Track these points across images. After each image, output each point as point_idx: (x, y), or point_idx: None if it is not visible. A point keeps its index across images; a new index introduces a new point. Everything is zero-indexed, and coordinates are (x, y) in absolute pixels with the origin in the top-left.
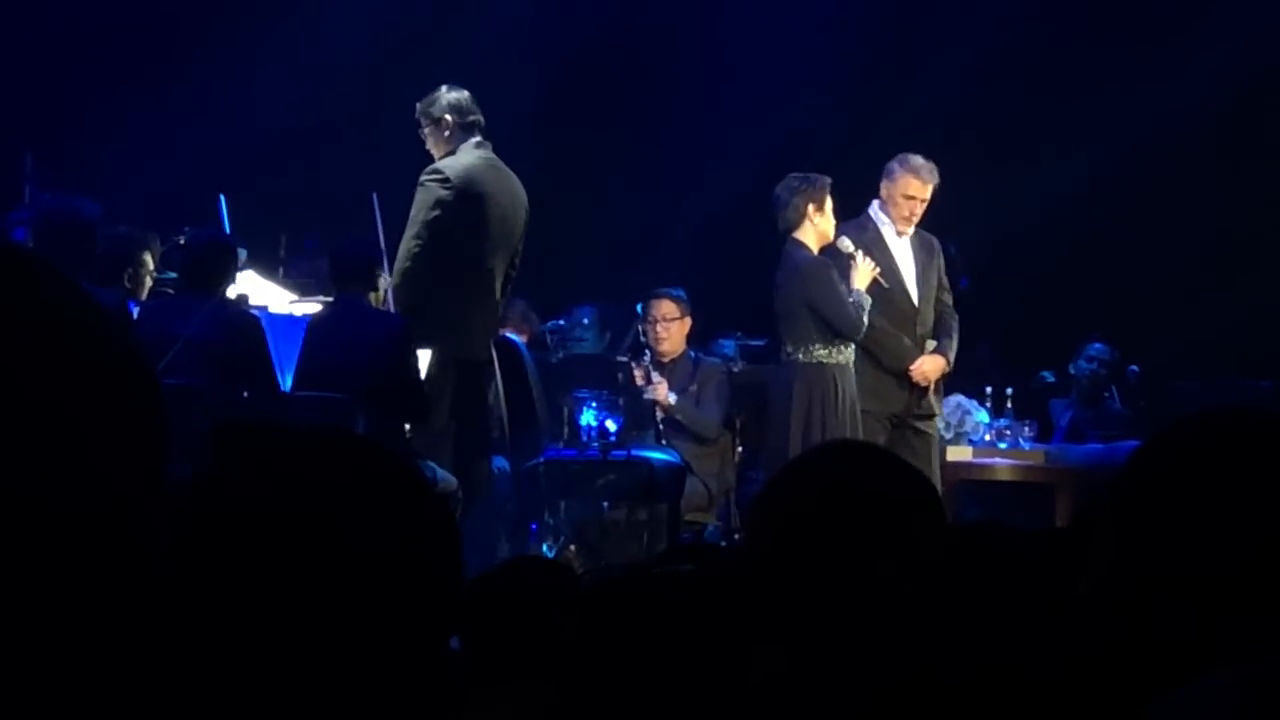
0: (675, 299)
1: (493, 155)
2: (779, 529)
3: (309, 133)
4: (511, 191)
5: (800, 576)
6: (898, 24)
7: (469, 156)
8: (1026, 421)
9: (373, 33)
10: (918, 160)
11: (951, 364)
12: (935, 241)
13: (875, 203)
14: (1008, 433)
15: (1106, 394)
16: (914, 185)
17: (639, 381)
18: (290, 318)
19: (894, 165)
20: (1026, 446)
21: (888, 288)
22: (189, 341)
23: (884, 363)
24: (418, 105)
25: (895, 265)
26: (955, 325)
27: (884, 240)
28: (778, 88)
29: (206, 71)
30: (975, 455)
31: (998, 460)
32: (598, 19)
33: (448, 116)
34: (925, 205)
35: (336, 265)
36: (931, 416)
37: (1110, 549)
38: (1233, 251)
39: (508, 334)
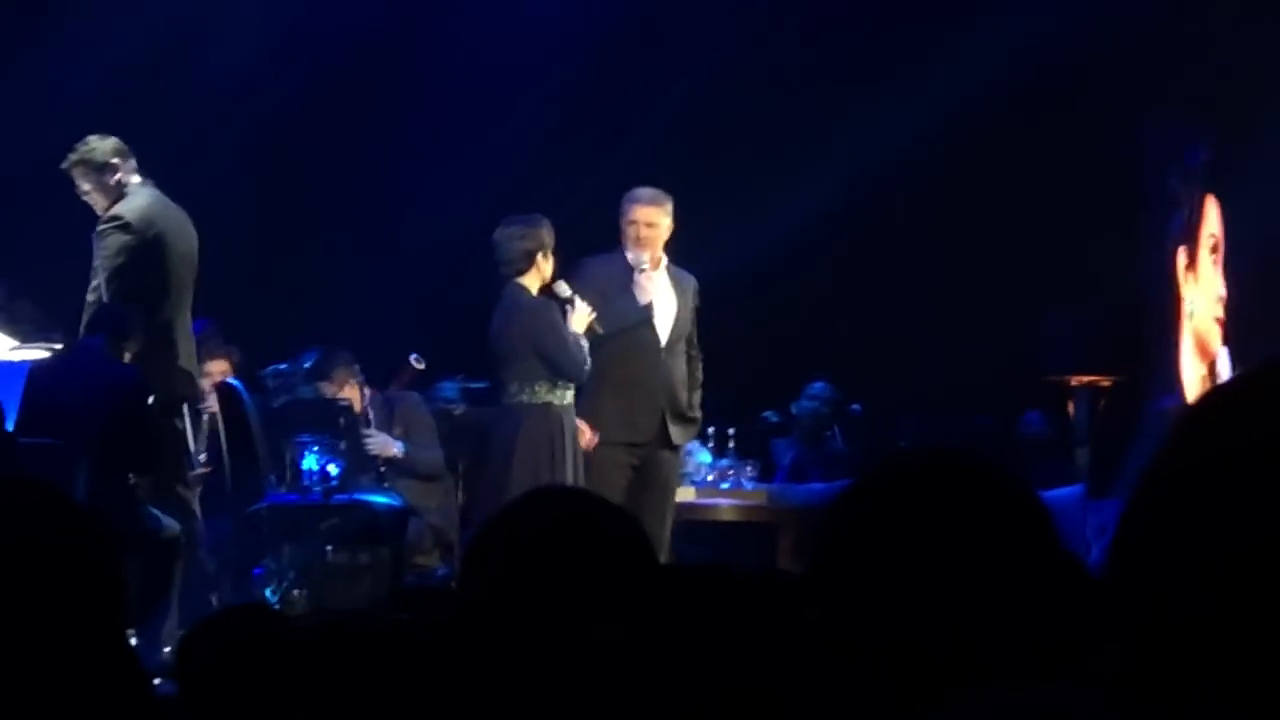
0: (349, 364)
1: (159, 191)
2: (492, 575)
3: (27, 176)
4: (186, 227)
5: (512, 624)
6: (619, 68)
7: (142, 198)
8: (749, 461)
9: (92, 77)
10: (640, 189)
11: (695, 413)
12: (692, 281)
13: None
14: (730, 473)
15: (828, 433)
16: (637, 210)
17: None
18: (7, 364)
19: (622, 201)
20: (749, 487)
21: (601, 334)
22: None
23: (627, 393)
24: (69, 158)
25: (643, 298)
26: (699, 378)
27: (632, 273)
28: (499, 127)
29: None
30: (698, 496)
31: (720, 501)
32: (316, 65)
33: (115, 160)
34: (657, 230)
35: (90, 313)
36: (674, 448)
37: (817, 594)
38: (955, 288)
39: (229, 379)
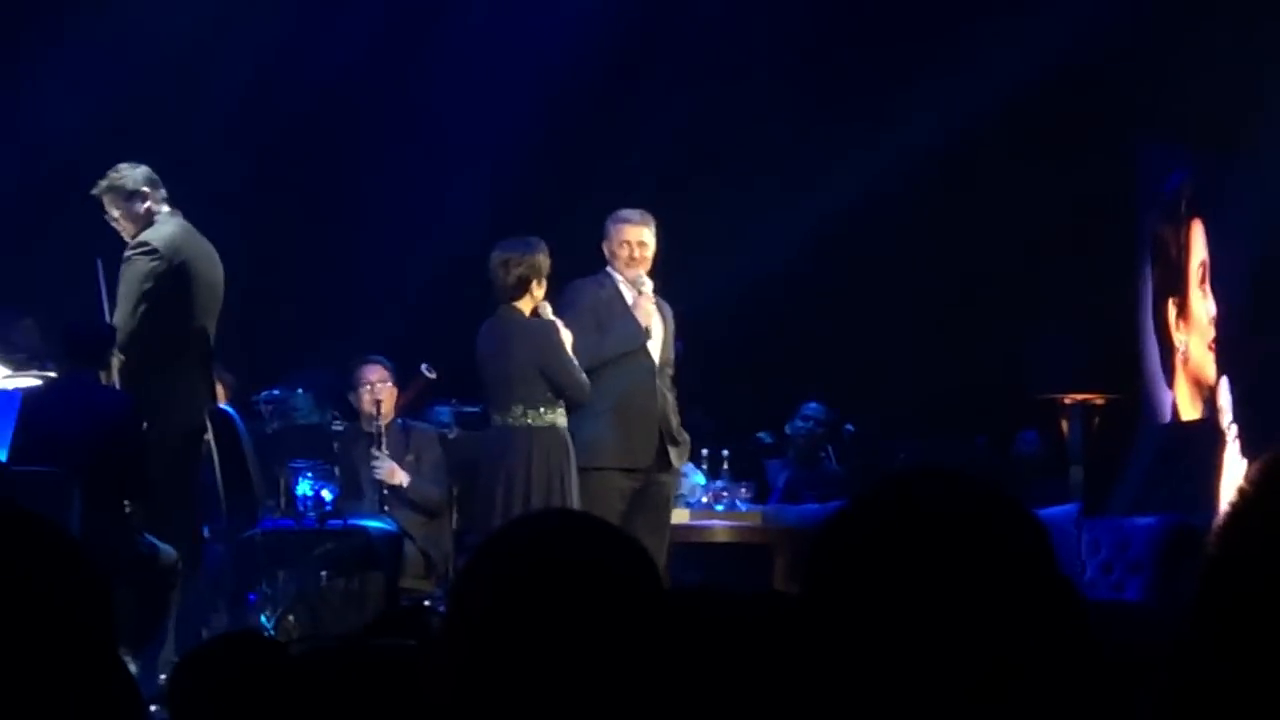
0: (386, 365)
1: (187, 222)
2: (492, 597)
3: (20, 201)
4: (212, 257)
5: (506, 649)
6: (608, 85)
7: (169, 226)
8: (743, 483)
9: (87, 105)
10: (626, 210)
11: (685, 435)
12: (669, 308)
13: (609, 266)
14: (724, 494)
15: (822, 454)
16: (627, 230)
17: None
18: (2, 393)
19: (607, 223)
20: (743, 508)
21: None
22: None
23: (627, 418)
24: (100, 184)
25: (644, 320)
26: (673, 397)
27: (623, 297)
28: (485, 152)
29: None
30: (692, 518)
31: (715, 522)
32: (305, 91)
33: (145, 188)
34: (648, 248)
35: (69, 342)
36: (672, 470)
37: (812, 615)
38: (948, 308)
39: (223, 405)
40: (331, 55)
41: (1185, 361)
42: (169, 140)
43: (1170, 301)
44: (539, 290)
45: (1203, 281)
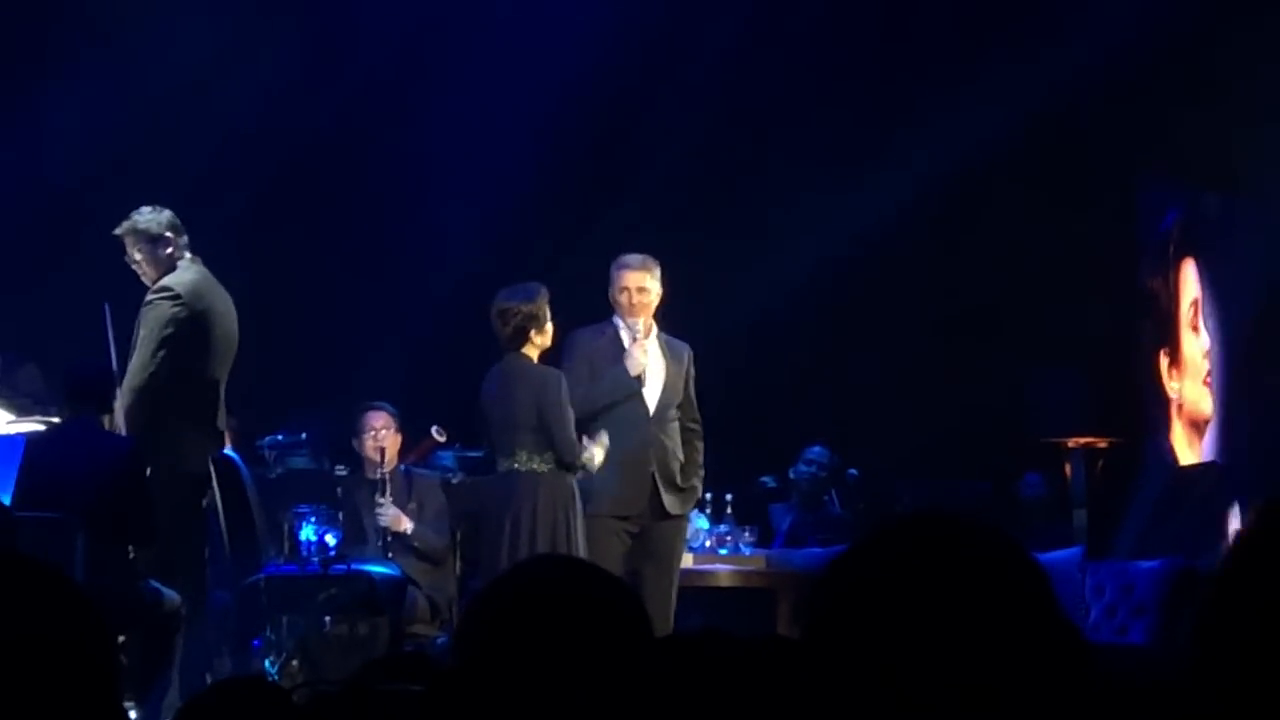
0: (389, 411)
1: (207, 270)
2: (491, 641)
3: (23, 243)
4: (229, 307)
5: (509, 689)
6: (610, 127)
7: (190, 273)
8: (747, 527)
9: (91, 144)
10: (628, 255)
11: (691, 483)
12: (686, 350)
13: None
14: (728, 539)
15: (826, 498)
16: (627, 276)
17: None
18: (5, 438)
19: (611, 269)
20: (747, 552)
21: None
22: None
23: (618, 467)
24: (123, 225)
25: (634, 369)
26: (700, 450)
27: (620, 345)
28: (489, 194)
29: None
30: (696, 562)
31: (719, 566)
32: (307, 123)
33: (169, 233)
34: (649, 294)
35: (71, 385)
36: (674, 518)
37: (814, 659)
38: (951, 350)
39: (226, 450)
40: (332, 95)
41: (1180, 409)
42: (169, 179)
43: (1162, 353)
44: (540, 338)
45: (1194, 320)
